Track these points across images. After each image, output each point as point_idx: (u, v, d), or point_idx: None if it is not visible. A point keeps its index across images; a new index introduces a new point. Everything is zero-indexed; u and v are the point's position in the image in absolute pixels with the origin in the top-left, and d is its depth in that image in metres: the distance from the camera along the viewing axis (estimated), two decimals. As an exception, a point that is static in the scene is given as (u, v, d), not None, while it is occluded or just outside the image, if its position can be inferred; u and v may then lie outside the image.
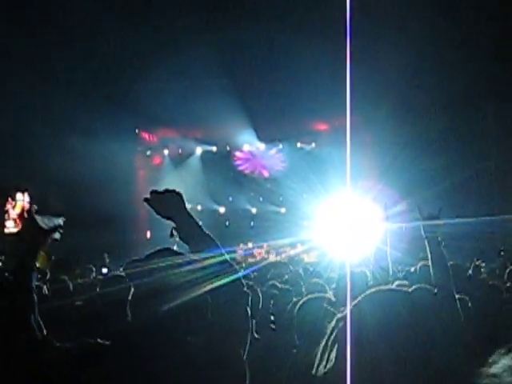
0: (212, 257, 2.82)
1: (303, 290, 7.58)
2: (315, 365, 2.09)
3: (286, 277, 10.92)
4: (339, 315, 2.07)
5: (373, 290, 2.10)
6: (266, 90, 23.14)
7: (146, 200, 2.95)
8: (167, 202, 2.90)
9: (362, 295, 2.05)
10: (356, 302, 2.05)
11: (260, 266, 15.18)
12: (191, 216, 2.91)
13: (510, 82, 20.54)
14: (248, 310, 3.64)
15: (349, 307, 2.05)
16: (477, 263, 12.04)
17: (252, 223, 29.92)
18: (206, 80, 21.65)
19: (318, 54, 19.91)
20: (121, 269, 7.02)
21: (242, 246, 27.11)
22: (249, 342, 3.45)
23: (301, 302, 4.12)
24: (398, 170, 22.64)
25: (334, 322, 2.07)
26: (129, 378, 2.39)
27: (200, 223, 3.02)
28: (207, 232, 2.97)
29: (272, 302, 6.93)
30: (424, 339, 1.89)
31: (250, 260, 24.37)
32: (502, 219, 20.73)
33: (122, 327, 2.65)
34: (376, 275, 7.52)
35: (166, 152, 30.42)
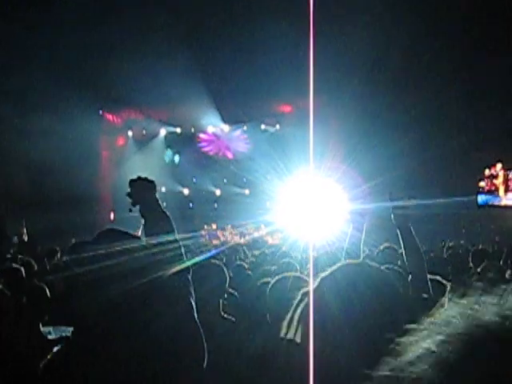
0: (164, 243, 2.80)
1: (273, 270, 7.58)
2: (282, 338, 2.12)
3: (252, 259, 10.98)
4: (304, 289, 2.09)
5: (343, 263, 2.13)
6: (230, 71, 23.10)
7: (128, 195, 2.93)
8: (138, 189, 2.88)
9: (334, 267, 2.07)
10: (327, 273, 2.07)
11: (224, 248, 15.23)
12: (159, 204, 2.89)
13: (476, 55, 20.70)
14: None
15: (311, 283, 2.07)
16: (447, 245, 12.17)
17: (216, 205, 29.94)
18: (172, 61, 21.50)
19: (282, 35, 19.90)
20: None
21: (205, 227, 27.14)
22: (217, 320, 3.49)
23: (273, 281, 4.12)
24: (362, 151, 22.76)
25: (299, 297, 2.08)
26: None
27: (164, 206, 3.00)
28: (168, 216, 2.95)
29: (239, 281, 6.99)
30: (383, 317, 1.91)
31: (215, 242, 24.40)
32: (464, 201, 21.02)
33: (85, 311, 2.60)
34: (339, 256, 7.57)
35: (130, 133, 30.24)
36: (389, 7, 18.71)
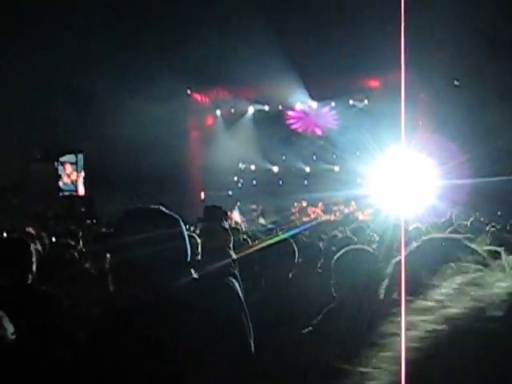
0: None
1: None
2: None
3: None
4: (395, 260, 2.09)
5: (427, 237, 2.11)
6: (317, 47, 22.95)
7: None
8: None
9: (419, 241, 2.06)
10: (412, 248, 2.06)
11: (312, 224, 15.23)
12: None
13: None
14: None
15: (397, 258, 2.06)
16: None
17: (306, 182, 29.88)
18: (258, 39, 21.52)
19: (369, 9, 19.63)
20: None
21: (296, 204, 27.17)
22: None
23: (339, 254, 4.09)
24: (453, 124, 22.30)
25: (391, 267, 2.08)
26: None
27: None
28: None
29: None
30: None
31: (305, 218, 24.45)
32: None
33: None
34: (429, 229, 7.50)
35: (218, 112, 30.48)
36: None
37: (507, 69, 21.69)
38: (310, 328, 3.75)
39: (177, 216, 2.57)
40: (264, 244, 5.02)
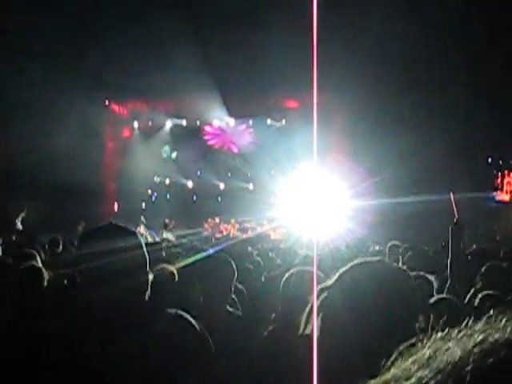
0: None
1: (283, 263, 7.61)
2: (300, 329, 2.13)
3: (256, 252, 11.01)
4: (323, 285, 2.09)
5: (361, 259, 2.13)
6: (236, 65, 23.10)
7: None
8: None
9: (350, 265, 2.08)
10: (343, 271, 2.07)
11: (230, 243, 15.23)
12: None
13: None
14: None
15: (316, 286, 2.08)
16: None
17: (219, 198, 29.90)
18: (179, 53, 21.51)
19: (286, 30, 19.89)
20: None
21: (209, 220, 27.17)
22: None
23: (288, 274, 4.13)
24: (366, 147, 22.75)
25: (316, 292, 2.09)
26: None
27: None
28: None
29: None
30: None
31: (218, 236, 24.44)
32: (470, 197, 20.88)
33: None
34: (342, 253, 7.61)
35: (135, 125, 30.24)
36: (392, 3, 18.73)
37: (424, 90, 22.34)
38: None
39: (132, 229, 2.68)
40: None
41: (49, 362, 2.34)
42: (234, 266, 4.64)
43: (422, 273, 5.30)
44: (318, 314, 2.00)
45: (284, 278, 4.10)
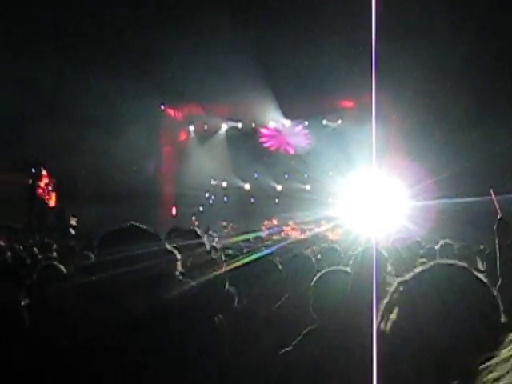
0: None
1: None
2: (378, 323, 2.05)
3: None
4: (399, 279, 2.03)
5: (433, 262, 2.06)
6: (292, 66, 23.03)
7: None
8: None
9: (423, 267, 2.02)
10: (415, 273, 2.01)
11: (284, 243, 15.17)
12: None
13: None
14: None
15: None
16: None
17: (277, 200, 29.87)
18: (233, 56, 21.55)
19: (344, 30, 19.76)
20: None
21: (266, 222, 27.15)
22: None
23: (318, 275, 4.07)
24: (425, 147, 22.45)
25: (394, 285, 2.02)
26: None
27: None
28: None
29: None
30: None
31: (275, 237, 24.38)
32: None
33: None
34: (392, 252, 7.45)
35: (191, 128, 30.41)
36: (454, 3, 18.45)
37: (481, 91, 21.93)
38: (289, 348, 3.71)
39: (156, 233, 2.60)
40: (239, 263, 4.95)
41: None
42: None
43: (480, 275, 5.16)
44: (391, 310, 1.95)
45: (314, 280, 4.04)
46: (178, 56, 21.40)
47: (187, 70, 22.24)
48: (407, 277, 1.97)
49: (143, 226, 2.57)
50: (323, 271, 4.12)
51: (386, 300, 2.04)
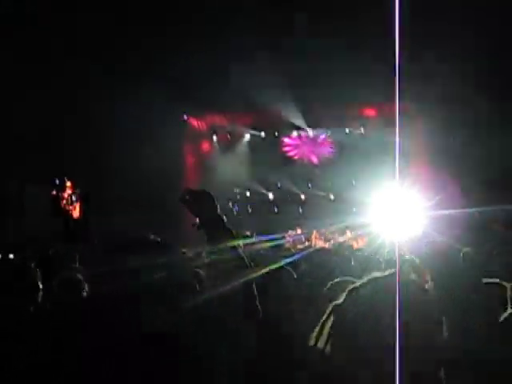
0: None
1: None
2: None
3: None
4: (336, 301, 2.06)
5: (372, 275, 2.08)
6: (314, 75, 23.01)
7: (181, 200, 2.87)
8: (200, 202, 2.82)
9: (363, 280, 2.04)
10: (355, 285, 2.03)
11: (306, 252, 15.12)
12: (219, 215, 2.81)
13: None
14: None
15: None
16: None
17: (300, 209, 29.81)
18: (256, 65, 21.59)
19: (366, 38, 19.74)
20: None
21: (290, 232, 27.10)
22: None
23: (328, 285, 4.08)
24: (450, 155, 22.34)
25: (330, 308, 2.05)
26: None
27: (225, 219, 2.94)
28: (228, 228, 2.87)
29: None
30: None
31: (299, 246, 24.34)
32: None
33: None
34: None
35: (214, 138, 30.48)
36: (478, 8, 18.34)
37: (503, 100, 21.76)
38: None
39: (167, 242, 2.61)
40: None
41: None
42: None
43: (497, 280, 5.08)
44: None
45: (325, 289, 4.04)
46: (201, 65, 21.49)
47: (210, 80, 22.32)
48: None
49: (155, 237, 2.59)
50: (334, 281, 4.12)
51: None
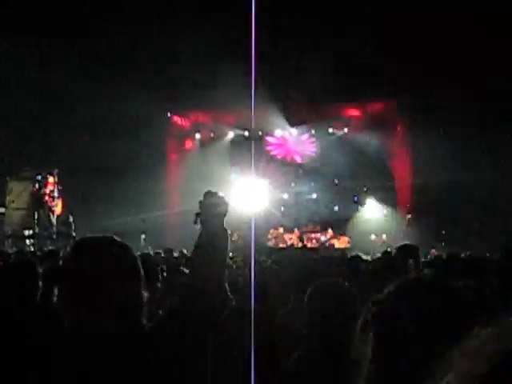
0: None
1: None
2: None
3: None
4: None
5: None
6: (297, 74, 23.04)
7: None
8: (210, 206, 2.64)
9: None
10: None
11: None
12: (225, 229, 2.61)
13: None
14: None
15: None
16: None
17: (282, 208, 29.75)
18: (239, 64, 21.58)
19: (352, 38, 19.83)
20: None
21: (272, 231, 27.10)
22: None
23: (312, 287, 4.05)
24: (432, 156, 22.35)
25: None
26: None
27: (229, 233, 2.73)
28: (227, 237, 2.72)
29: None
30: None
31: (281, 245, 24.46)
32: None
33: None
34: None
35: (197, 136, 30.37)
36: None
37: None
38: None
39: (127, 244, 2.51)
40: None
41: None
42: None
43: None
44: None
45: (309, 292, 3.98)
46: (185, 63, 21.43)
47: (194, 78, 22.29)
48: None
49: (117, 239, 2.49)
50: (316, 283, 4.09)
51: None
